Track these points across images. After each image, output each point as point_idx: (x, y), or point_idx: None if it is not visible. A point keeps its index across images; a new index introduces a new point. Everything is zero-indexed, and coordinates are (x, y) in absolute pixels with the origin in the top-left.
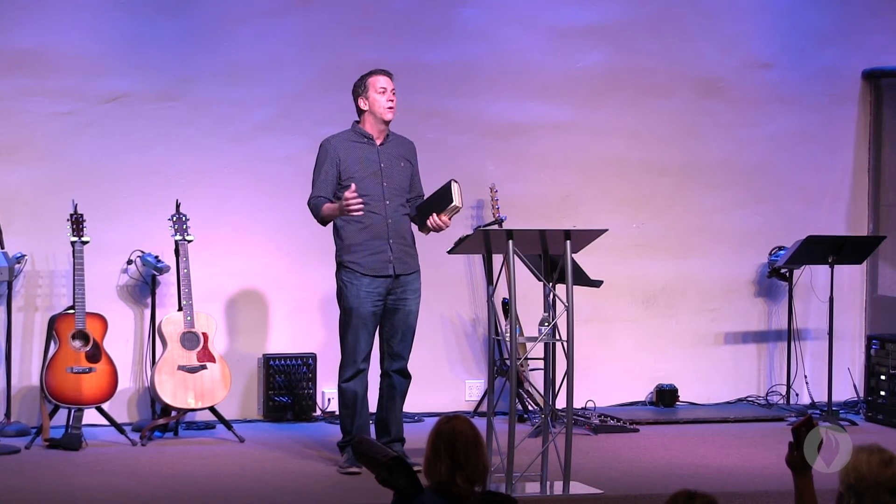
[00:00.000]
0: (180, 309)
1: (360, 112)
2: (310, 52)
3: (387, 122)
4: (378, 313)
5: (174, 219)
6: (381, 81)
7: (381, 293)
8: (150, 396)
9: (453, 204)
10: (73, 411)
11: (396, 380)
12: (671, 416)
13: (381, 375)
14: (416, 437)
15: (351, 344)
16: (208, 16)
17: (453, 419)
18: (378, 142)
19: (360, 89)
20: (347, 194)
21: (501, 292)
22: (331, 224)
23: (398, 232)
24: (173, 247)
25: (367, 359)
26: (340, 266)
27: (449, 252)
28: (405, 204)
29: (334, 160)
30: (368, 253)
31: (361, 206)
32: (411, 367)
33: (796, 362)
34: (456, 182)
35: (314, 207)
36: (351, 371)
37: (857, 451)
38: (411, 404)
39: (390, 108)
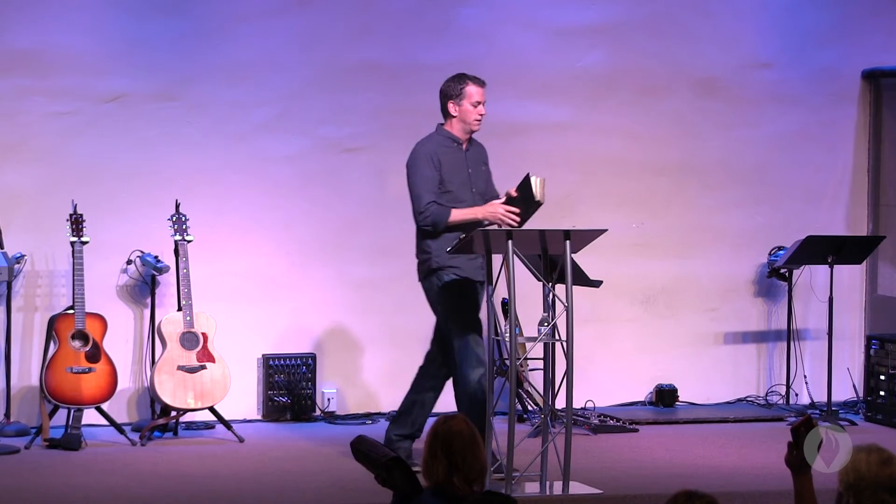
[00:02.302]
0: (180, 309)
1: (447, 115)
2: (310, 52)
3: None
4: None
5: (174, 219)
6: (476, 95)
7: (482, 296)
8: (150, 396)
9: (536, 200)
10: (72, 411)
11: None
12: (671, 416)
13: (441, 374)
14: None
15: (473, 344)
16: (208, 16)
17: (450, 419)
18: (464, 147)
19: (453, 94)
20: (503, 210)
21: (501, 292)
22: (407, 230)
23: None
24: (173, 247)
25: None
26: (439, 271)
27: (448, 252)
28: None
29: (435, 164)
30: (466, 258)
31: (516, 221)
32: (410, 366)
33: (796, 362)
34: (535, 176)
35: (436, 215)
36: (481, 370)
37: (856, 451)
38: None
39: (479, 121)
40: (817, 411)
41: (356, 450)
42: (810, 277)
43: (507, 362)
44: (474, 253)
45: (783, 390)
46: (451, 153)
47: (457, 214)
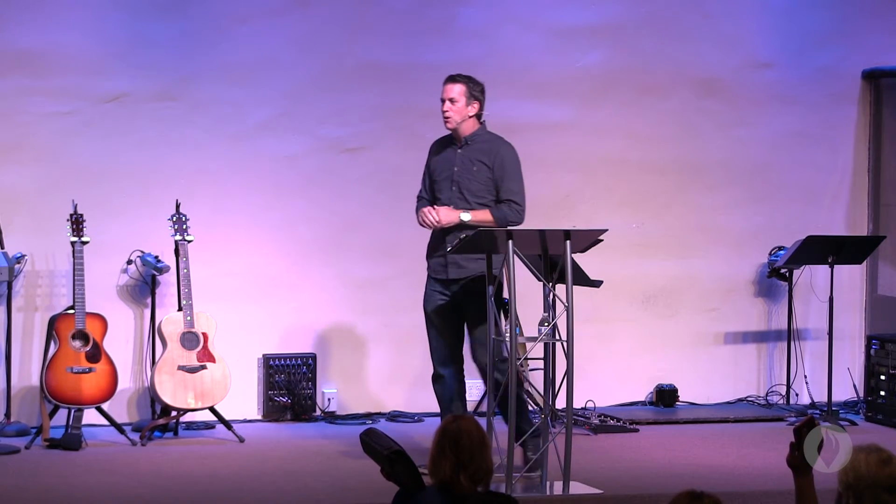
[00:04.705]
0: (180, 309)
1: None
2: (310, 52)
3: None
4: (444, 314)
5: (174, 219)
6: (441, 92)
7: (444, 294)
8: (150, 396)
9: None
10: (72, 411)
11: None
12: (671, 416)
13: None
14: (417, 437)
15: (429, 345)
16: (208, 16)
17: (460, 418)
18: (459, 145)
19: None
20: (425, 211)
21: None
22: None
23: (457, 237)
24: (173, 247)
25: (443, 362)
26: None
27: (448, 252)
28: (480, 207)
29: (429, 159)
30: (432, 256)
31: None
32: (411, 366)
33: (796, 362)
34: None
35: (417, 208)
36: (434, 373)
37: (855, 451)
38: (411, 404)
39: (445, 118)
40: (818, 411)
41: (364, 441)
42: (810, 277)
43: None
44: (474, 253)
45: (783, 390)
46: (443, 151)
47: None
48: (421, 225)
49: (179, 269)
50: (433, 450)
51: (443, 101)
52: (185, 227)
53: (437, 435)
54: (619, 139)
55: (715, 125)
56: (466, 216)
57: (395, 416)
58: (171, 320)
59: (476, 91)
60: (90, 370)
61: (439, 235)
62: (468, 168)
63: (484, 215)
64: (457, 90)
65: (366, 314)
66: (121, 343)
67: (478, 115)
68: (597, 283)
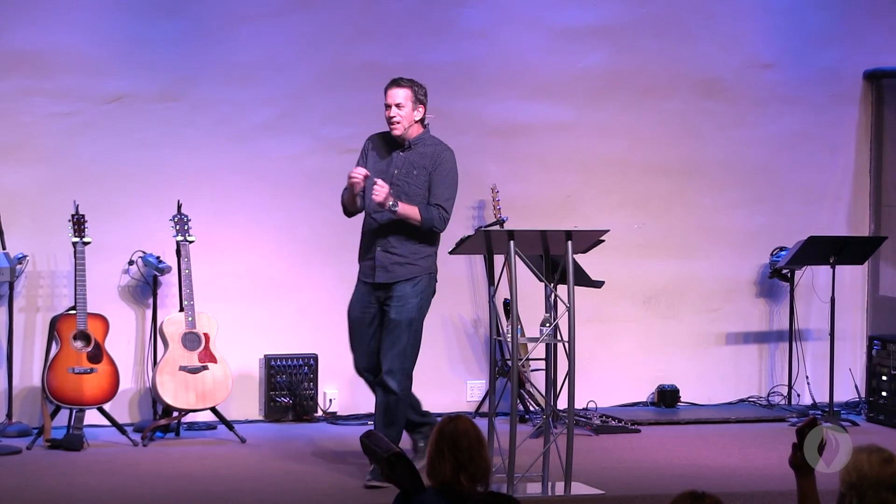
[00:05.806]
0: (181, 309)
1: None
2: (310, 52)
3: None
4: (367, 320)
5: (175, 219)
6: (385, 96)
7: (371, 300)
8: (152, 397)
9: None
10: (74, 412)
11: (377, 391)
12: (672, 416)
13: None
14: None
15: (352, 350)
16: (208, 16)
17: (455, 419)
18: (402, 148)
19: None
20: (353, 171)
21: (503, 293)
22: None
23: (388, 241)
24: (175, 247)
25: (370, 369)
26: None
27: (450, 252)
28: None
29: (364, 156)
30: (363, 258)
31: (359, 179)
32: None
33: (798, 363)
34: None
35: (342, 198)
36: (363, 378)
37: (856, 451)
38: None
39: (391, 123)
40: (819, 412)
41: (364, 444)
42: (812, 278)
43: (509, 363)
44: (475, 253)
45: (785, 391)
46: (385, 151)
47: (343, 196)
48: (345, 193)
49: (181, 269)
50: (431, 452)
51: (388, 106)
52: (186, 227)
53: (434, 437)
54: (620, 140)
55: (716, 126)
56: (396, 206)
57: None
58: (172, 321)
59: (421, 95)
60: (91, 371)
61: (370, 238)
62: (409, 172)
63: (413, 212)
64: (402, 95)
65: None
66: (122, 343)
67: (421, 120)
68: (598, 284)
